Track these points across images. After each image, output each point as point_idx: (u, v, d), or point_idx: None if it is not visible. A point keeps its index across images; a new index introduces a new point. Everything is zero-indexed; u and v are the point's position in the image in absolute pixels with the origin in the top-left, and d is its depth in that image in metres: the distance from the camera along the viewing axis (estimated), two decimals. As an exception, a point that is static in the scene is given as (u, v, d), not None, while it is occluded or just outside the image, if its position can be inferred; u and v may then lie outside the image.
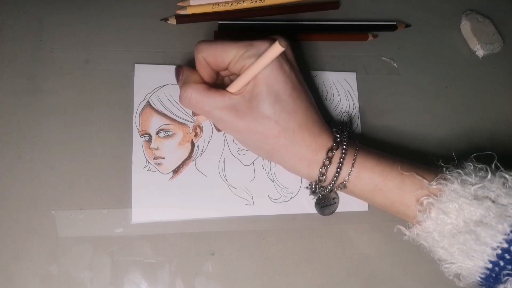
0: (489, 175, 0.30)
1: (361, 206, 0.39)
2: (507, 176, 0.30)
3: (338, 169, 0.33)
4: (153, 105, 0.38)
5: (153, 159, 0.37)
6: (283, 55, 0.32)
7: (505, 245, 0.28)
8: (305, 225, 0.37)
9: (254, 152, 0.36)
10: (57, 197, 0.35)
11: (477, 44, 0.44)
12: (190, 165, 0.37)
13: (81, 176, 0.36)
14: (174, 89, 0.39)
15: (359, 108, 0.41)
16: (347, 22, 0.43)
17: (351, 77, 0.42)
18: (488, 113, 0.44)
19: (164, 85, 0.39)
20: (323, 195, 0.36)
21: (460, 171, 0.31)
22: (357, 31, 0.43)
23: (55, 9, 0.39)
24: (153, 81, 0.38)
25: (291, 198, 0.38)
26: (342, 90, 0.42)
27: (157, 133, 0.38)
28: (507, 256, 0.28)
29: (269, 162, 0.38)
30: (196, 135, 0.38)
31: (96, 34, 0.39)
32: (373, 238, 0.38)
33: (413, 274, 0.38)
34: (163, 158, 0.37)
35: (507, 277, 0.28)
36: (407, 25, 0.44)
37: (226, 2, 0.41)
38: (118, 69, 0.38)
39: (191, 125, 0.38)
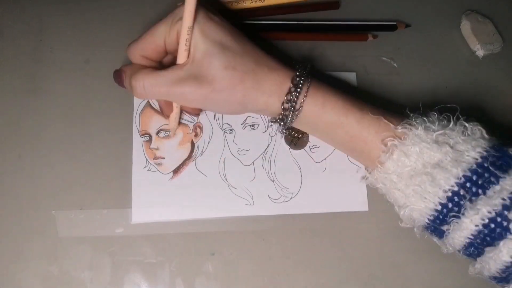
0: (451, 124, 0.32)
1: (361, 206, 0.39)
2: (466, 125, 0.32)
3: (304, 97, 0.33)
4: (153, 105, 0.38)
5: (153, 159, 0.37)
6: (207, 11, 0.32)
7: (456, 188, 0.30)
8: (305, 225, 0.37)
9: (228, 111, 0.36)
10: (57, 197, 0.35)
11: (477, 44, 0.44)
12: (190, 165, 0.37)
13: (81, 176, 0.36)
14: (174, 89, 0.39)
15: (359, 108, 0.41)
16: (347, 22, 0.43)
17: (351, 77, 0.42)
18: (488, 113, 0.44)
19: (164, 85, 0.38)
20: (290, 127, 0.36)
21: (424, 118, 0.33)
22: (357, 31, 0.43)
23: (55, 9, 0.39)
24: (153, 81, 0.38)
25: (291, 198, 0.38)
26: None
27: (157, 133, 0.38)
28: (456, 199, 0.30)
29: (269, 162, 0.38)
30: (196, 135, 0.38)
31: (96, 34, 0.39)
32: (373, 238, 0.38)
33: (413, 274, 0.38)
34: (163, 158, 0.37)
35: (452, 218, 0.31)
36: (407, 25, 0.44)
37: (225, 2, 0.41)
38: (118, 69, 0.38)
39: (191, 125, 0.38)
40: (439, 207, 0.31)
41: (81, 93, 0.37)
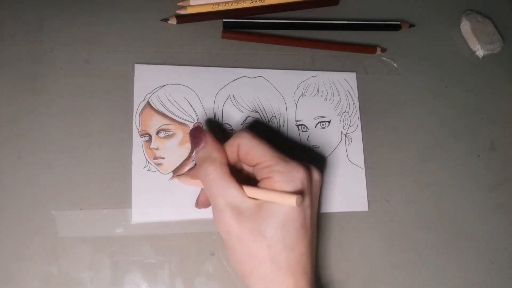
0: None
1: (361, 206, 0.39)
2: None
3: None
4: (153, 105, 0.38)
5: (153, 159, 0.37)
6: (309, 185, 0.30)
7: None
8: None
9: (232, 264, 0.32)
10: (57, 197, 0.35)
11: (477, 44, 0.44)
12: (190, 165, 0.37)
13: (81, 176, 0.36)
14: (174, 89, 0.39)
15: (359, 108, 0.41)
16: (350, 22, 0.43)
17: (351, 77, 0.42)
18: (488, 113, 0.44)
19: (164, 85, 0.39)
20: None
21: None
22: (360, 30, 0.43)
23: (55, 9, 0.39)
24: (153, 81, 0.38)
25: (291, 198, 0.38)
26: (342, 90, 0.42)
27: (157, 133, 0.38)
28: None
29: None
30: (196, 135, 0.38)
31: (96, 34, 0.39)
32: (373, 238, 0.38)
33: (413, 274, 0.38)
34: (163, 158, 0.37)
35: None
36: (411, 25, 0.44)
37: (226, 2, 0.41)
38: (118, 69, 0.38)
39: (191, 125, 0.38)
40: None
41: (81, 93, 0.37)
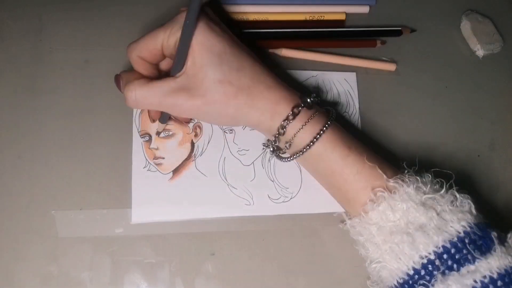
0: (442, 191, 0.32)
1: (361, 206, 0.39)
2: (457, 195, 0.32)
3: (301, 128, 0.32)
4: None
5: (153, 159, 0.37)
6: (208, 21, 0.31)
7: (432, 257, 0.30)
8: (305, 225, 0.37)
9: (220, 123, 0.36)
10: (57, 197, 0.35)
11: (477, 44, 0.44)
12: (190, 165, 0.37)
13: (81, 176, 0.36)
14: (174, 89, 0.39)
15: (359, 108, 0.41)
16: (353, 29, 0.43)
17: (351, 77, 0.42)
18: (488, 113, 0.44)
19: (164, 85, 0.38)
20: (281, 158, 0.35)
21: (418, 178, 0.32)
22: (363, 37, 0.43)
23: (54, 9, 0.39)
24: (153, 81, 0.38)
25: (291, 198, 0.38)
26: (342, 90, 0.42)
27: (157, 133, 0.38)
28: (430, 268, 0.30)
29: (269, 162, 0.38)
30: (196, 135, 0.38)
31: (96, 34, 0.39)
32: (373, 238, 0.38)
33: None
34: (163, 158, 0.37)
35: (420, 287, 0.30)
36: (412, 30, 0.44)
37: (230, 13, 0.41)
38: (118, 69, 0.38)
39: (191, 125, 0.38)
40: (412, 272, 0.30)
41: (81, 93, 0.37)
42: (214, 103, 0.32)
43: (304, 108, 0.33)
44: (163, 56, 0.33)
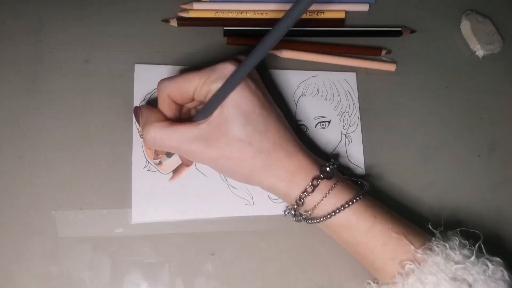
0: (473, 257, 0.30)
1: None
2: (489, 264, 0.30)
3: (321, 200, 0.32)
4: (153, 105, 0.38)
5: (153, 159, 0.37)
6: (249, 76, 0.31)
7: None
8: (305, 225, 0.37)
9: (231, 178, 0.35)
10: (57, 197, 0.35)
11: (477, 44, 0.44)
12: (191, 165, 0.37)
13: (81, 176, 0.36)
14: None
15: (359, 108, 0.41)
16: (352, 29, 0.43)
17: (351, 77, 0.42)
18: (488, 113, 0.44)
19: (164, 85, 0.38)
20: (305, 220, 0.34)
21: (446, 244, 0.31)
22: (362, 36, 0.43)
23: (55, 9, 0.39)
24: (153, 81, 0.38)
25: (291, 198, 0.38)
26: (342, 90, 0.42)
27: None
28: None
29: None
30: (196, 135, 0.38)
31: (96, 34, 0.39)
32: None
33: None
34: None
35: None
36: (412, 31, 0.44)
37: (229, 11, 0.41)
38: (118, 69, 0.38)
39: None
40: None
41: (81, 93, 0.37)
42: (229, 159, 0.31)
43: (324, 179, 0.32)
44: (192, 100, 0.33)
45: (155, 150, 0.37)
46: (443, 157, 0.42)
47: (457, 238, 0.32)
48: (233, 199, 0.37)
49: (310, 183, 0.32)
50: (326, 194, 0.32)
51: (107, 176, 0.36)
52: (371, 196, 0.34)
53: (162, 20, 0.40)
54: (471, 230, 0.34)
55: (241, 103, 0.30)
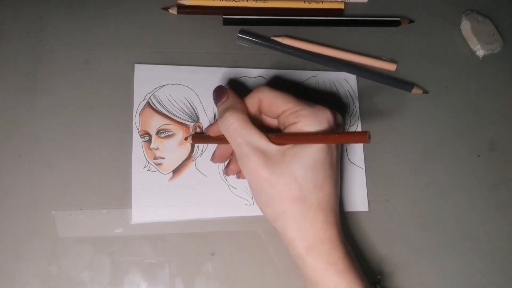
0: None
1: (361, 206, 0.39)
2: None
3: None
4: (153, 105, 0.38)
5: (153, 159, 0.37)
6: (335, 127, 0.31)
7: None
8: (305, 225, 0.37)
9: (260, 207, 0.33)
10: (57, 197, 0.35)
11: (477, 44, 0.44)
12: (190, 165, 0.37)
13: (81, 176, 0.36)
14: (173, 89, 0.39)
15: (359, 108, 0.41)
16: (350, 18, 0.43)
17: (351, 77, 0.42)
18: (488, 113, 0.44)
19: (164, 85, 0.39)
20: None
21: None
22: (361, 26, 0.43)
23: (55, 9, 0.39)
24: (153, 81, 0.38)
25: (291, 198, 0.38)
26: (342, 90, 0.42)
27: (157, 133, 0.38)
28: None
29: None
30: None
31: (96, 34, 0.39)
32: (373, 238, 0.38)
33: (413, 274, 0.38)
34: (163, 158, 0.37)
35: None
36: (411, 21, 0.44)
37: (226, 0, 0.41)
38: (118, 69, 0.38)
39: (191, 125, 0.38)
40: None
41: (80, 93, 0.37)
42: (273, 188, 0.30)
43: None
44: (275, 117, 0.33)
45: (154, 151, 0.37)
46: (443, 157, 0.42)
47: None
48: (233, 199, 0.37)
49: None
50: None
51: (107, 176, 0.36)
52: None
53: (162, 8, 0.40)
54: None
55: (316, 149, 0.30)
